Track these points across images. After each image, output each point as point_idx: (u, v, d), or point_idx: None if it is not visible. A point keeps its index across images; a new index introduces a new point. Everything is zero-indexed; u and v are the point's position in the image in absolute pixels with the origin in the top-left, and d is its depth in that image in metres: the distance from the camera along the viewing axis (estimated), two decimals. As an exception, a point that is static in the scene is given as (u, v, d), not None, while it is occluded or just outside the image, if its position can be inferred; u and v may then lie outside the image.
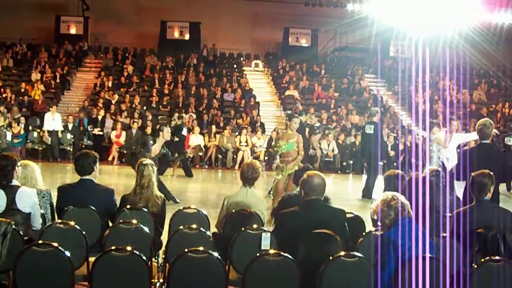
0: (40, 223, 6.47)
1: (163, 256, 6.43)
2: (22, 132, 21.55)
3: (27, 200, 6.30)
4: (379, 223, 5.52)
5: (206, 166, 22.44)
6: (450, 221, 6.80)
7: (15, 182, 6.37)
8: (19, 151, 20.10)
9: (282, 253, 5.23)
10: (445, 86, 28.05)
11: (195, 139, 21.96)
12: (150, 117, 23.57)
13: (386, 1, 24.10)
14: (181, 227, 6.24)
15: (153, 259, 6.51)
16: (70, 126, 22.72)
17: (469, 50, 24.79)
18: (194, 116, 24.49)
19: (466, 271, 5.24)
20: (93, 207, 6.70)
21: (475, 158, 8.18)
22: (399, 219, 5.26)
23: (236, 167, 21.23)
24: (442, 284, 5.01)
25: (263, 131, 23.59)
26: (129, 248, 5.13)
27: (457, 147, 12.09)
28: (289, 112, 24.55)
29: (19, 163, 6.51)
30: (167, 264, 5.96)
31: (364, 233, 6.43)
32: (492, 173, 6.64)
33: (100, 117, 23.51)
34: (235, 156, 22.24)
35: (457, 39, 22.99)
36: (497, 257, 5.37)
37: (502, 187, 15.50)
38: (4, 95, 25.28)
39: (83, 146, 21.82)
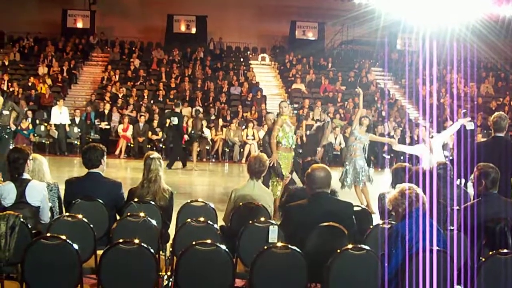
0: (49, 217, 6.48)
1: (171, 249, 6.43)
2: (30, 127, 21.64)
3: (37, 194, 6.32)
4: (392, 213, 5.52)
5: (213, 160, 22.48)
6: (457, 214, 6.78)
7: (26, 175, 6.39)
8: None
9: (289, 246, 5.23)
10: (452, 80, 27.99)
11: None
12: (157, 111, 23.59)
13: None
14: (189, 220, 6.23)
15: (161, 252, 6.52)
16: (77, 120, 22.77)
17: (476, 43, 24.72)
18: (201, 109, 24.51)
19: (473, 264, 5.23)
20: (100, 200, 6.70)
21: (490, 151, 8.08)
22: (413, 210, 5.24)
23: (243, 160, 21.26)
24: (450, 277, 5.01)
25: (270, 125, 23.50)
26: (136, 241, 5.12)
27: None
28: (296, 105, 24.62)
29: (30, 157, 6.52)
30: (174, 257, 5.97)
31: (371, 226, 6.42)
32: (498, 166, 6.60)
33: (107, 111, 23.56)
34: (242, 150, 22.26)
35: (464, 32, 22.95)
36: (504, 250, 5.36)
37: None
38: (11, 89, 25.35)
39: (90, 139, 21.85)
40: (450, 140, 15.10)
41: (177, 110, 19.54)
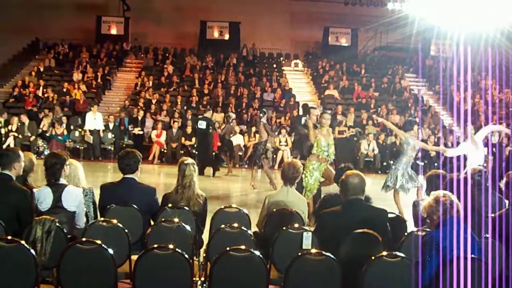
0: (84, 222, 6.54)
1: (204, 254, 6.45)
2: (65, 133, 21.85)
3: (73, 199, 6.38)
4: (427, 220, 5.47)
5: (246, 166, 22.46)
6: (492, 222, 6.72)
7: (62, 180, 6.45)
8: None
9: (323, 252, 5.22)
10: (487, 86, 27.70)
11: (235, 139, 22.03)
12: (190, 117, 23.67)
13: (426, 0, 23.88)
14: (223, 226, 6.26)
15: (194, 258, 6.54)
16: (111, 125, 22.93)
17: (511, 49, 24.44)
18: (234, 115, 24.55)
19: (509, 272, 5.18)
20: (135, 206, 6.75)
21: None
22: (447, 218, 5.19)
23: (276, 166, 21.21)
24: (485, 285, 4.96)
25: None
26: (171, 246, 5.15)
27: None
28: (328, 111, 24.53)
29: (67, 162, 6.58)
30: (208, 263, 5.99)
31: (406, 233, 6.37)
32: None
33: (140, 117, 23.71)
34: (274, 156, 22.21)
35: (499, 38, 22.70)
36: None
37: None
38: (46, 95, 25.66)
39: (124, 145, 22.00)
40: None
41: (206, 115, 19.56)
